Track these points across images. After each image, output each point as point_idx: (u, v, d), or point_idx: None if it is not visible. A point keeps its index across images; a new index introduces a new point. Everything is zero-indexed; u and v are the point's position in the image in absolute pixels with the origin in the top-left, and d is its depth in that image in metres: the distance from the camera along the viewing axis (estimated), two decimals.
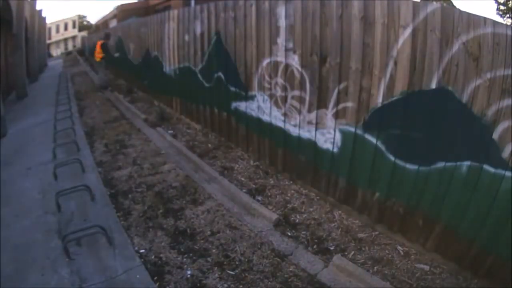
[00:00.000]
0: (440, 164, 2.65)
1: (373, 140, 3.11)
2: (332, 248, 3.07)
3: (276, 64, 4.13)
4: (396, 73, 2.84)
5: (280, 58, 4.03)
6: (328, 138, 3.58)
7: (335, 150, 3.53)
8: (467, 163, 2.48)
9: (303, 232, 3.32)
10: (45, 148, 5.71)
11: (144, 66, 9.56)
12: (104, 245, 3.15)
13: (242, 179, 4.40)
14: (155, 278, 2.79)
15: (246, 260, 2.96)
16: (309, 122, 3.78)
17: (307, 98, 3.74)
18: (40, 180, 4.63)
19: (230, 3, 4.88)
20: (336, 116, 3.44)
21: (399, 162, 2.93)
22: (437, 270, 2.73)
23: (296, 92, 3.88)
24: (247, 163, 4.85)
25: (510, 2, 16.44)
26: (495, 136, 2.32)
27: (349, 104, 3.28)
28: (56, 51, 43.59)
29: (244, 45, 4.70)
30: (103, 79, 11.69)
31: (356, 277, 2.68)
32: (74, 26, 46.78)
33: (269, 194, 4.01)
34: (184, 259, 3.01)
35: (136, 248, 3.15)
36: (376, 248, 3.02)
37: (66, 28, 46.15)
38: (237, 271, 2.84)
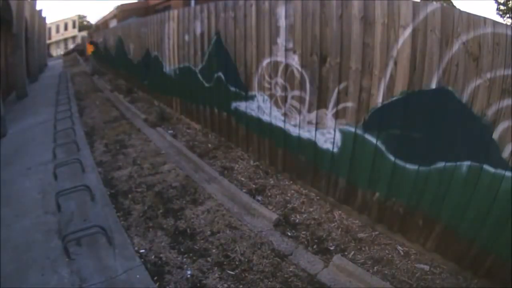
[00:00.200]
0: (440, 164, 2.65)
1: (373, 140, 3.11)
2: (332, 248, 3.07)
3: (276, 64, 4.13)
4: (396, 73, 2.84)
5: (280, 58, 4.03)
6: (328, 138, 3.58)
7: (335, 150, 3.53)
8: (467, 163, 2.48)
9: (303, 232, 3.32)
10: (45, 148, 5.71)
11: (144, 66, 9.55)
12: (104, 245, 3.15)
13: (242, 179, 4.40)
14: (155, 278, 2.80)
15: (246, 260, 2.96)
16: (309, 122, 3.78)
17: (307, 98, 3.74)
18: (40, 180, 4.63)
19: (230, 3, 4.88)
20: (336, 116, 3.44)
21: (399, 162, 2.93)
22: (437, 270, 2.73)
23: (296, 92, 3.88)
24: (247, 163, 4.85)
25: (510, 2, 16.44)
26: (495, 136, 2.32)
27: (349, 104, 3.28)
28: (56, 51, 43.59)
29: (244, 45, 4.70)
30: (94, 67, 16.28)
31: (356, 277, 2.68)
32: (74, 26, 46.76)
33: (269, 194, 4.01)
34: (184, 259, 3.01)
35: (136, 248, 3.16)
36: (376, 248, 3.02)
37: (66, 28, 46.14)
38: (237, 271, 2.85)
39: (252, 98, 4.71)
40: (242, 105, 4.96)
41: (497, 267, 2.43)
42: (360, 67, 3.10)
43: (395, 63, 2.83)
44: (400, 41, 2.76)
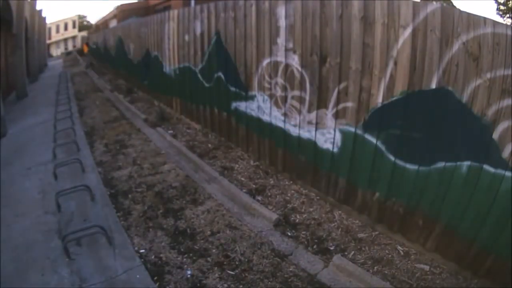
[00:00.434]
0: (440, 164, 2.65)
1: (373, 140, 3.11)
2: (332, 248, 3.07)
3: (276, 64, 4.13)
4: (396, 73, 2.84)
5: (280, 58, 4.03)
6: (328, 138, 3.58)
7: (335, 150, 3.53)
8: (467, 163, 2.48)
9: (303, 232, 3.32)
10: (45, 148, 5.71)
11: (144, 66, 9.56)
12: (104, 245, 3.15)
13: (242, 179, 4.40)
14: (155, 278, 2.80)
15: (246, 260, 2.96)
16: (309, 122, 3.78)
17: (307, 98, 3.74)
18: (40, 180, 4.63)
19: (230, 3, 4.88)
20: (336, 116, 3.44)
21: (399, 162, 2.93)
22: (437, 270, 2.73)
23: (296, 92, 3.88)
24: (247, 163, 4.85)
25: (510, 2, 16.44)
26: (495, 136, 2.32)
27: (349, 104, 3.28)
28: (56, 51, 43.57)
29: (244, 45, 4.70)
30: (87, 62, 20.30)
31: (356, 277, 2.68)
32: (74, 26, 46.74)
33: (269, 194, 4.01)
34: (184, 259, 3.01)
35: (136, 248, 3.16)
36: (376, 248, 3.02)
37: (66, 28, 46.11)
38: (237, 271, 2.85)
39: (252, 98, 4.71)
40: (242, 105, 4.96)
41: (497, 267, 2.43)
42: (360, 67, 3.10)
43: (395, 63, 2.83)
44: (400, 41, 2.76)
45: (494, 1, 16.76)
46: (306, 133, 3.85)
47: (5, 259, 2.99)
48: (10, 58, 11.07)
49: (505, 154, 2.28)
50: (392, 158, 2.98)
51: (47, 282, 2.75)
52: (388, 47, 2.85)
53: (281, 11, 3.91)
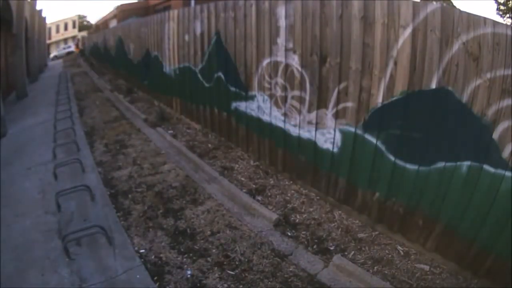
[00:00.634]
0: (440, 164, 2.65)
1: (373, 140, 3.11)
2: (332, 248, 3.07)
3: (276, 64, 4.13)
4: (396, 73, 2.84)
5: (280, 58, 4.03)
6: (328, 138, 3.58)
7: (335, 150, 3.53)
8: (467, 163, 2.48)
9: (303, 232, 3.32)
10: (45, 148, 5.71)
11: (144, 66, 9.56)
12: (104, 245, 3.15)
13: (242, 179, 4.40)
14: (155, 278, 2.80)
15: (246, 260, 2.96)
16: (309, 122, 3.78)
17: (307, 98, 3.74)
18: (40, 180, 4.63)
19: (230, 3, 4.88)
20: (336, 116, 3.44)
21: (399, 162, 2.93)
22: (437, 270, 2.73)
23: (296, 92, 3.88)
24: (247, 163, 4.85)
25: (510, 2, 16.44)
26: (495, 136, 2.32)
27: (349, 104, 3.28)
28: (56, 51, 43.57)
29: (244, 45, 4.70)
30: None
31: (356, 277, 2.68)
32: (74, 26, 46.74)
33: (269, 194, 4.01)
34: (184, 259, 3.01)
35: (136, 248, 3.16)
36: (376, 248, 3.02)
37: (66, 28, 46.12)
38: (237, 271, 2.84)
39: (252, 98, 4.71)
40: (242, 105, 4.96)
41: (497, 267, 2.43)
42: (360, 67, 3.10)
43: (395, 63, 2.83)
44: (400, 41, 2.76)
45: (494, 1, 16.76)
46: (306, 133, 3.85)
47: (5, 259, 2.99)
48: (10, 58, 11.08)
49: (505, 154, 2.28)
50: (392, 158, 2.98)
51: (47, 282, 2.75)
52: (388, 47, 2.85)
53: (281, 11, 3.91)
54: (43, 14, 22.19)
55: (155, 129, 6.67)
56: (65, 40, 45.80)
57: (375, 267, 2.81)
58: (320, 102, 3.59)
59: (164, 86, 7.99)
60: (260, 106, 4.55)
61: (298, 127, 3.94)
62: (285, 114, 4.12)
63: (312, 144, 3.78)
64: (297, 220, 3.50)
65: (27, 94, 11.30)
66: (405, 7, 2.69)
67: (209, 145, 5.59)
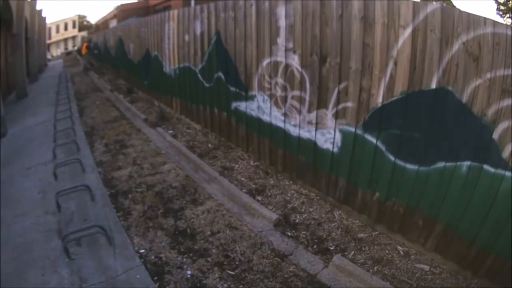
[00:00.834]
0: (440, 164, 2.65)
1: (373, 140, 3.11)
2: (332, 248, 3.07)
3: (276, 64, 4.13)
4: (396, 73, 2.84)
5: (280, 58, 4.03)
6: (328, 138, 3.58)
7: (335, 150, 3.53)
8: (467, 163, 2.48)
9: (303, 232, 3.32)
10: (45, 148, 5.71)
11: (144, 66, 9.56)
12: (104, 245, 3.15)
13: (242, 179, 4.40)
14: (155, 278, 2.80)
15: (246, 260, 2.96)
16: (309, 122, 3.78)
17: (307, 98, 3.74)
18: (40, 180, 4.63)
19: (230, 3, 4.88)
20: (336, 116, 3.44)
21: (399, 162, 2.93)
22: (437, 270, 2.73)
23: (296, 92, 3.88)
24: (247, 163, 4.85)
25: (510, 2, 16.44)
26: (495, 136, 2.32)
27: (349, 104, 3.28)
28: (56, 51, 43.59)
29: (244, 45, 4.70)
30: (86, 65, 18.60)
31: (356, 277, 2.68)
32: (74, 26, 46.77)
33: (269, 194, 4.01)
34: (184, 259, 3.01)
35: (136, 248, 3.16)
36: (376, 248, 3.02)
37: (66, 28, 46.15)
38: (237, 271, 2.85)
39: (252, 98, 4.71)
40: (242, 105, 4.96)
41: (497, 267, 2.43)
42: (360, 67, 3.10)
43: (395, 63, 2.83)
44: (400, 41, 2.76)
45: (494, 1, 16.76)
46: (306, 133, 3.85)
47: (5, 259, 2.99)
48: (10, 58, 11.07)
49: (505, 154, 2.28)
50: (392, 158, 2.98)
51: (47, 282, 2.75)
52: (388, 47, 2.85)
53: (281, 11, 3.91)
54: (43, 14, 22.21)
55: (155, 129, 6.67)
56: (65, 40, 45.84)
57: (375, 267, 2.81)
58: (320, 102, 3.60)
59: (164, 86, 7.99)
60: (260, 106, 4.55)
61: (298, 127, 3.94)
62: (285, 114, 4.12)
63: (312, 144, 3.78)
64: (297, 220, 3.50)
65: (27, 94, 11.30)
66: (405, 7, 2.69)
67: (209, 145, 5.60)
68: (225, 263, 2.94)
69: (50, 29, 39.94)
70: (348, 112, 3.31)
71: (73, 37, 46.21)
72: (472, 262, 2.57)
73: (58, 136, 6.13)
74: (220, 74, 5.41)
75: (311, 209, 3.66)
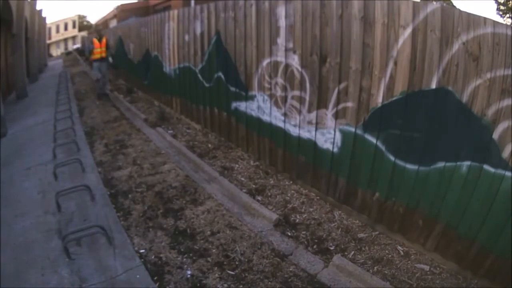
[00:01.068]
0: (440, 164, 2.65)
1: (373, 140, 3.11)
2: (332, 248, 3.07)
3: (276, 64, 4.13)
4: (396, 73, 2.84)
5: (280, 58, 4.03)
6: (328, 138, 3.58)
7: (335, 150, 3.53)
8: (467, 163, 2.48)
9: (303, 232, 3.32)
10: (45, 148, 5.71)
11: (144, 66, 9.55)
12: (104, 245, 3.15)
13: (242, 179, 4.40)
14: (155, 278, 2.80)
15: (246, 260, 2.96)
16: (309, 122, 3.78)
17: (307, 98, 3.74)
18: (40, 180, 4.63)
19: (230, 3, 4.88)
20: (336, 116, 3.44)
21: (399, 162, 2.93)
22: (437, 270, 2.73)
23: (296, 92, 3.88)
24: (247, 163, 4.85)
25: (510, 2, 16.44)
26: (495, 136, 2.32)
27: (349, 104, 3.28)
28: (56, 51, 43.61)
29: (244, 45, 4.70)
30: (102, 83, 10.00)
31: (356, 277, 2.68)
32: (74, 26, 46.82)
33: (269, 194, 4.01)
34: (184, 259, 3.01)
35: (136, 248, 3.15)
36: (376, 248, 3.02)
37: (66, 28, 46.19)
38: (237, 271, 2.85)
39: (252, 98, 4.71)
40: (242, 105, 4.96)
41: (497, 267, 2.43)
42: (360, 67, 3.10)
43: (395, 63, 2.83)
44: (400, 41, 2.76)
45: (494, 1, 16.77)
46: (306, 133, 3.85)
47: (5, 259, 2.99)
48: (10, 58, 11.07)
49: (505, 154, 2.28)
50: (392, 158, 2.98)
51: (47, 282, 2.74)
52: (388, 47, 2.85)
53: (281, 11, 3.91)
54: (43, 14, 22.23)
55: (155, 129, 6.67)
56: (65, 40, 45.86)
57: (375, 267, 2.81)
58: (320, 102, 3.60)
59: (164, 86, 7.99)
60: (260, 106, 4.55)
61: (298, 127, 3.94)
62: (285, 114, 4.12)
63: (312, 144, 3.78)
64: (297, 220, 3.50)
65: (27, 94, 11.29)
66: (405, 7, 2.69)
67: (209, 145, 5.60)
68: (225, 263, 2.94)
69: (50, 29, 39.97)
70: (348, 112, 3.31)
71: (73, 37, 46.23)
72: (472, 262, 2.57)
73: (58, 136, 6.13)
74: (220, 74, 5.41)
75: (311, 209, 3.66)
